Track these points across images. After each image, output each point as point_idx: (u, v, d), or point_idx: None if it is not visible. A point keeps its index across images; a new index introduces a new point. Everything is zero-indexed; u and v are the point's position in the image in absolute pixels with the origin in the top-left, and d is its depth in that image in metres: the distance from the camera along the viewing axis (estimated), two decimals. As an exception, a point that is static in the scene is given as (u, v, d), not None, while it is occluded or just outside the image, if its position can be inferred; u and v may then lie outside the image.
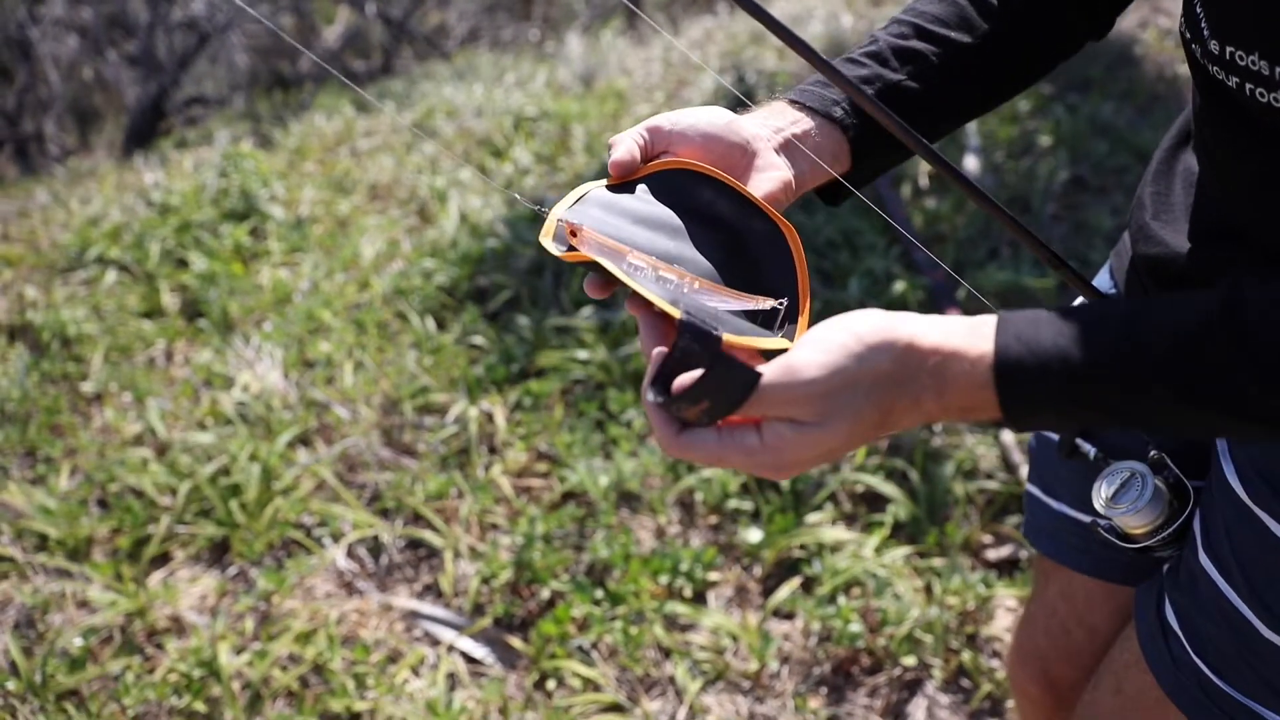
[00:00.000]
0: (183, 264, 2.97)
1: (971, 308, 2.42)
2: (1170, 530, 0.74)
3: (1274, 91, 0.57)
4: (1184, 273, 0.72)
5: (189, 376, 2.40)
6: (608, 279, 0.64)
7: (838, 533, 1.80)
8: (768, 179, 0.70)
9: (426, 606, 1.78)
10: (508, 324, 2.45)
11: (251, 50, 8.07)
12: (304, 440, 2.16)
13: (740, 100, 0.81)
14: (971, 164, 3.10)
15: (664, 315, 0.61)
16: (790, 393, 0.54)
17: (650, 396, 0.58)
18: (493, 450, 2.11)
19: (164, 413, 2.25)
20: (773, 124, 0.72)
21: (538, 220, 2.98)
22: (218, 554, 1.92)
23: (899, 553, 1.76)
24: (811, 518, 1.84)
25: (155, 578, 1.86)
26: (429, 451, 2.09)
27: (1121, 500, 0.75)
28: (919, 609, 1.65)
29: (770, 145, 0.70)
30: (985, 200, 0.65)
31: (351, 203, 3.44)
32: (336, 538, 1.92)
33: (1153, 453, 0.77)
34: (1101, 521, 0.78)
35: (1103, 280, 0.86)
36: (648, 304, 0.61)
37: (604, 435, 2.07)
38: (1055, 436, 0.87)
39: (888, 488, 1.86)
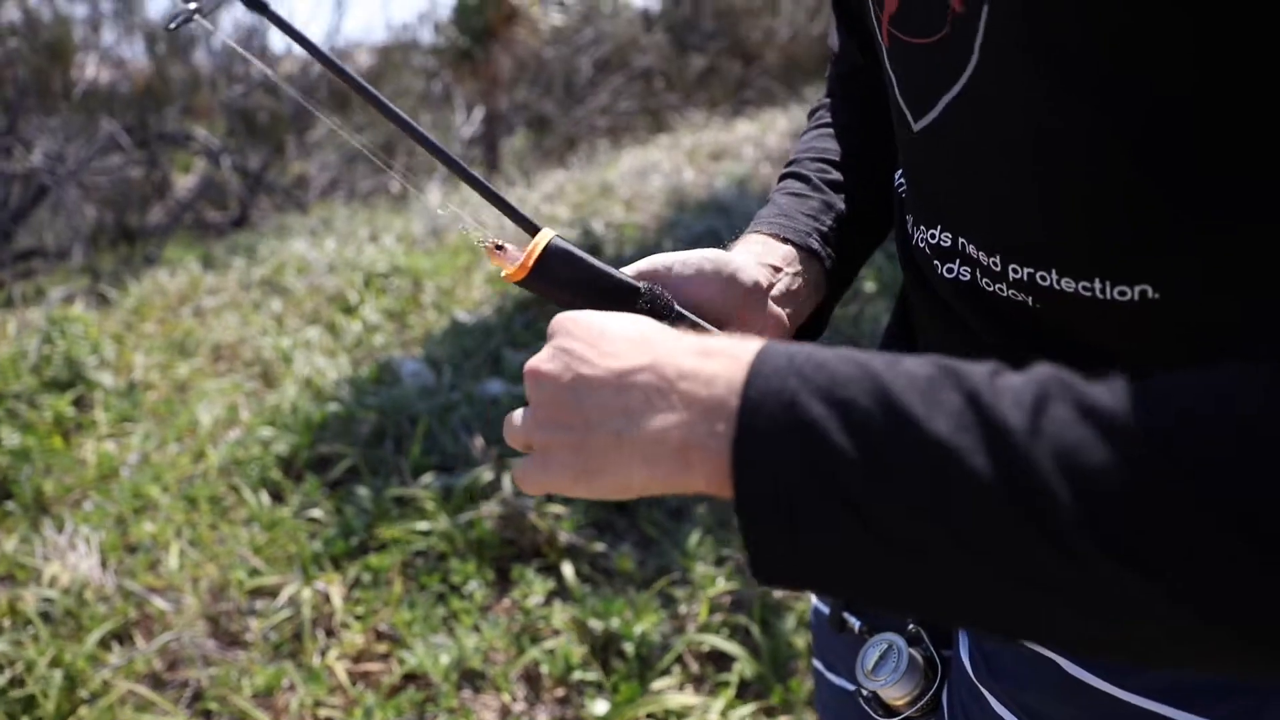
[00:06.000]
0: (-6, 440, 2.75)
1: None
2: (925, 700, 0.78)
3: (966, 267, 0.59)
4: None
5: (-11, 570, 2.19)
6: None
7: (685, 698, 1.78)
8: (774, 323, 0.68)
9: (248, 820, 1.63)
10: (348, 495, 2.37)
11: (98, 202, 7.82)
12: (120, 636, 1.99)
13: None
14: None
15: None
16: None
17: None
18: (329, 633, 1.99)
19: (-46, 616, 2.03)
20: (769, 262, 0.70)
21: (381, 381, 2.95)
22: (6, 780, 1.71)
23: (746, 712, 1.75)
24: (658, 683, 1.81)
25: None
26: (259, 640, 1.96)
27: (880, 672, 0.78)
28: (766, 774, 1.63)
29: (769, 287, 0.69)
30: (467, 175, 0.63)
31: (192, 365, 3.32)
32: (150, 747, 1.75)
33: (910, 626, 0.81)
34: (865, 692, 0.81)
35: None
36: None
37: (446, 609, 2.00)
38: (827, 610, 0.89)
39: (731, 646, 1.87)
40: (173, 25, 0.60)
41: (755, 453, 0.40)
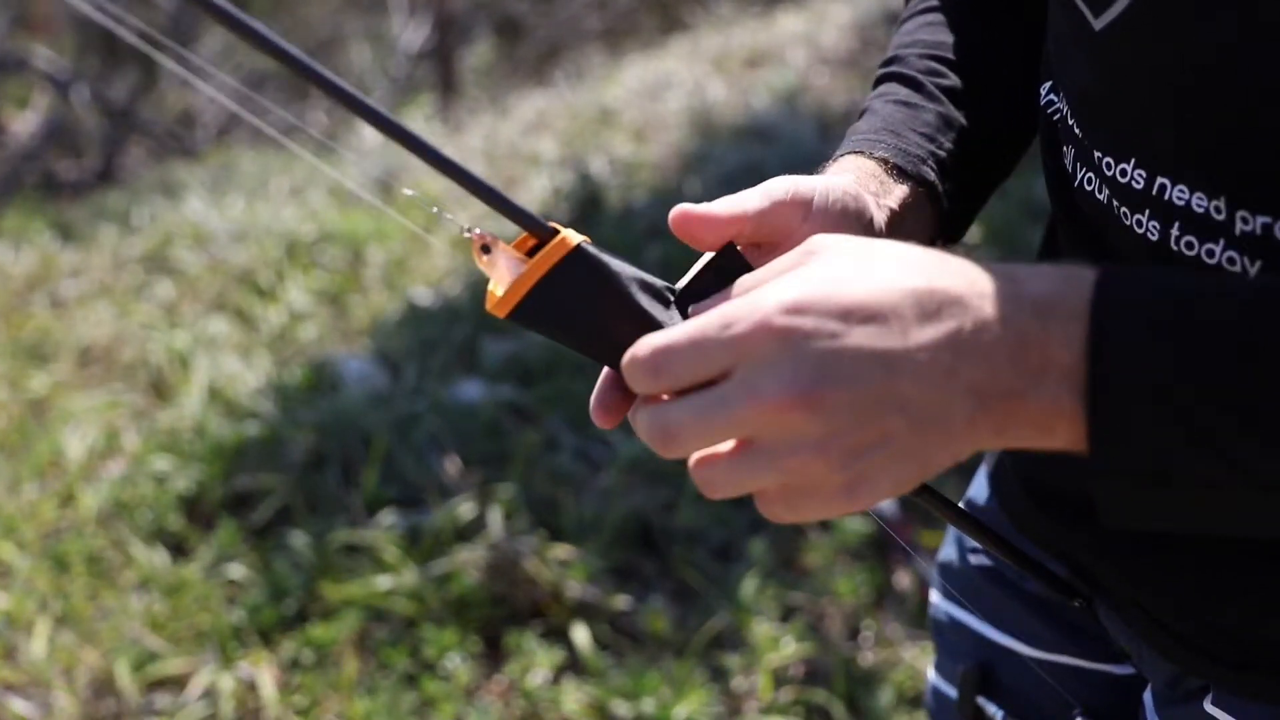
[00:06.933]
0: None
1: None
2: None
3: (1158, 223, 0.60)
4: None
5: None
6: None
7: (748, 805, 1.79)
8: None
9: None
10: (278, 544, 2.39)
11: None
12: (-26, 747, 2.02)
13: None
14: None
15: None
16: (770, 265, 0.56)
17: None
18: (259, 733, 2.02)
19: None
20: (887, 203, 0.72)
21: (316, 387, 2.96)
22: None
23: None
24: (711, 787, 1.83)
25: None
26: (164, 746, 1.99)
27: None
28: None
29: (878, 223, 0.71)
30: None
31: (51, 375, 3.34)
32: None
33: (1077, 718, 0.81)
34: None
35: (980, 491, 0.91)
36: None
37: (418, 694, 2.03)
38: (954, 692, 0.90)
39: (809, 733, 1.88)
40: None
41: (1126, 428, 0.49)
